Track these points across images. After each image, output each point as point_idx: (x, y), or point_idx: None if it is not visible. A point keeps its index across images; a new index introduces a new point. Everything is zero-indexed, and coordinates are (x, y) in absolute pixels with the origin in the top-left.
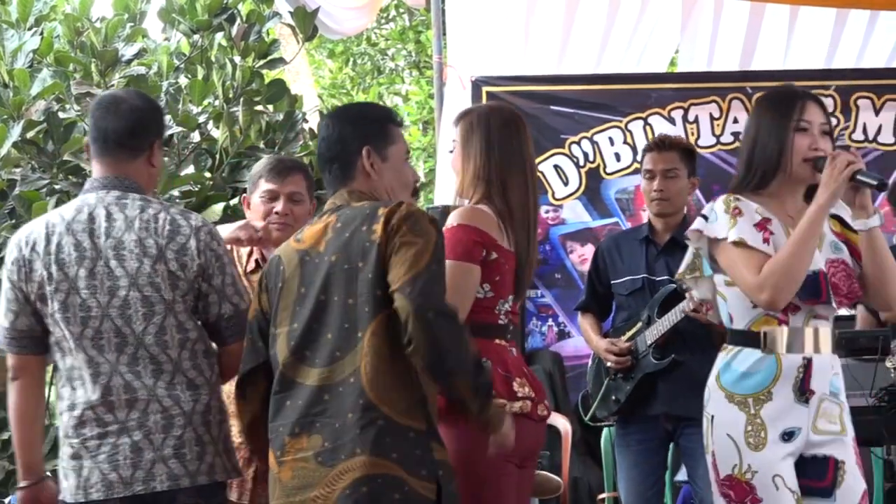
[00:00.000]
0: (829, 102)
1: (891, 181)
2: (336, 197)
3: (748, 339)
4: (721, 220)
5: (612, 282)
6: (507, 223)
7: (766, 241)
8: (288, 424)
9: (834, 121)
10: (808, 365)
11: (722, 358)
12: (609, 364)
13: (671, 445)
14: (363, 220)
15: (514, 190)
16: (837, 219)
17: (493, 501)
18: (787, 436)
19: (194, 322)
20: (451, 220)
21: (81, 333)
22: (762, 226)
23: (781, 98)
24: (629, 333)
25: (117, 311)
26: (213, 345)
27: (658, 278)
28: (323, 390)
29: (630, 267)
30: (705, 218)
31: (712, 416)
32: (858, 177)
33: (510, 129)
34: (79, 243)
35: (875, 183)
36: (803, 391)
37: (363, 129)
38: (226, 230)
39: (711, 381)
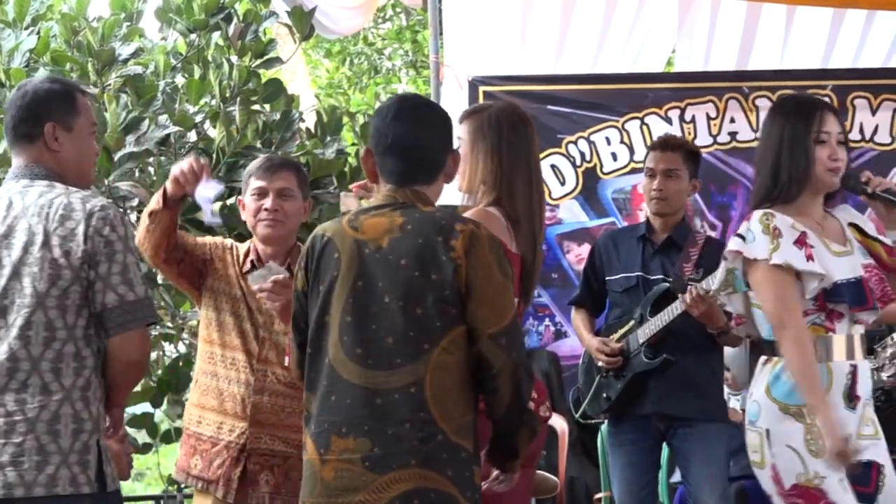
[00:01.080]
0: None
1: (891, 175)
2: (396, 191)
3: None
4: (760, 239)
5: (607, 278)
6: (515, 227)
7: (809, 257)
8: (335, 422)
9: None
10: (854, 371)
11: (769, 370)
12: (600, 363)
13: (665, 446)
14: (438, 231)
15: (521, 195)
16: (856, 227)
17: (493, 502)
18: (843, 442)
19: (65, 322)
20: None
21: None
22: (802, 241)
23: (801, 108)
24: (621, 331)
25: None
26: (88, 349)
27: (652, 277)
28: (375, 394)
29: (626, 264)
30: (742, 238)
31: (767, 431)
32: (887, 196)
33: (519, 132)
34: None
35: None
36: (851, 398)
37: (451, 139)
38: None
39: (760, 395)
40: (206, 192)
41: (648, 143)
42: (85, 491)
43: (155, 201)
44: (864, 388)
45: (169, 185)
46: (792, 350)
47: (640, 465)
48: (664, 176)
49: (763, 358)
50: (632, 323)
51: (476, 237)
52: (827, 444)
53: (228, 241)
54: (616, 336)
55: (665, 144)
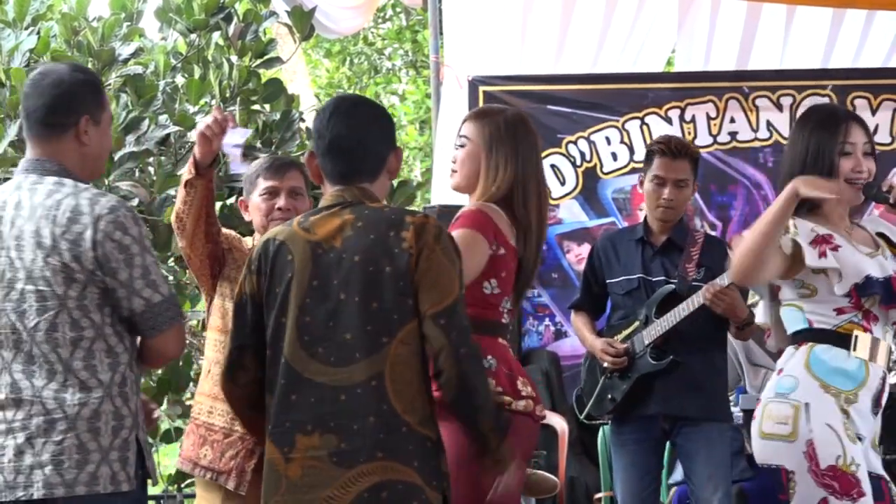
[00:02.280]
0: (825, 102)
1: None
2: (344, 191)
3: (836, 338)
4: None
5: (608, 281)
6: (520, 229)
7: (822, 255)
8: (298, 421)
9: None
10: (885, 379)
11: (805, 351)
12: (605, 364)
13: (667, 445)
14: (389, 225)
15: (534, 203)
16: (884, 237)
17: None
18: (860, 440)
19: (91, 320)
20: (469, 206)
21: None
22: (819, 242)
23: (827, 119)
24: (626, 332)
25: (13, 306)
26: (121, 345)
27: (654, 278)
28: (338, 390)
29: (626, 266)
30: None
31: (807, 404)
32: None
33: (530, 140)
34: None
35: None
36: (877, 403)
37: (392, 135)
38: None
39: (799, 370)
40: (233, 138)
41: (648, 142)
42: (125, 489)
43: (187, 171)
44: (886, 398)
45: (197, 147)
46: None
47: (643, 466)
48: (675, 185)
49: (791, 346)
50: (636, 324)
51: (425, 227)
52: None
53: (232, 233)
54: (620, 337)
55: (675, 152)
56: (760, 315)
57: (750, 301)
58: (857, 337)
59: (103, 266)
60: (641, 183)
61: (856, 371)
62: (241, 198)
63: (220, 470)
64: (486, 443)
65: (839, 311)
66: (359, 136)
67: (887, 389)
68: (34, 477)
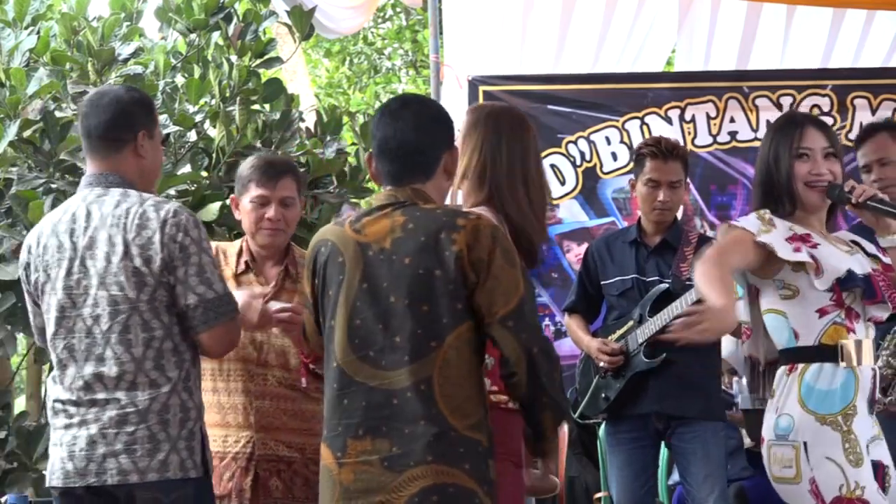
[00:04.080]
0: (825, 102)
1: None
2: (397, 191)
3: (823, 353)
4: (753, 222)
5: (603, 282)
6: (509, 223)
7: (797, 250)
8: (351, 425)
9: (830, 120)
10: (874, 376)
11: (796, 380)
12: (601, 364)
13: (663, 445)
14: (441, 227)
15: (515, 195)
16: (858, 244)
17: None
18: (867, 447)
19: (161, 322)
20: None
21: (56, 333)
22: (795, 240)
23: (783, 125)
24: (620, 332)
25: (88, 311)
26: (185, 343)
27: (649, 279)
28: (390, 394)
29: (621, 268)
30: (738, 221)
31: (805, 444)
32: (871, 204)
33: (514, 132)
34: (61, 244)
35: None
36: (872, 402)
37: (445, 135)
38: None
39: (794, 408)
40: None
41: (637, 145)
42: (193, 475)
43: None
44: (877, 395)
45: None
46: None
47: (638, 465)
48: (669, 187)
49: (782, 368)
50: (630, 323)
51: (478, 229)
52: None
53: (212, 245)
54: (615, 336)
55: (667, 153)
56: (740, 312)
57: None
58: (842, 346)
59: (168, 266)
60: (633, 186)
61: (847, 383)
62: (232, 195)
63: (221, 494)
64: (544, 439)
65: (822, 313)
66: (406, 137)
67: (878, 386)
68: (107, 465)
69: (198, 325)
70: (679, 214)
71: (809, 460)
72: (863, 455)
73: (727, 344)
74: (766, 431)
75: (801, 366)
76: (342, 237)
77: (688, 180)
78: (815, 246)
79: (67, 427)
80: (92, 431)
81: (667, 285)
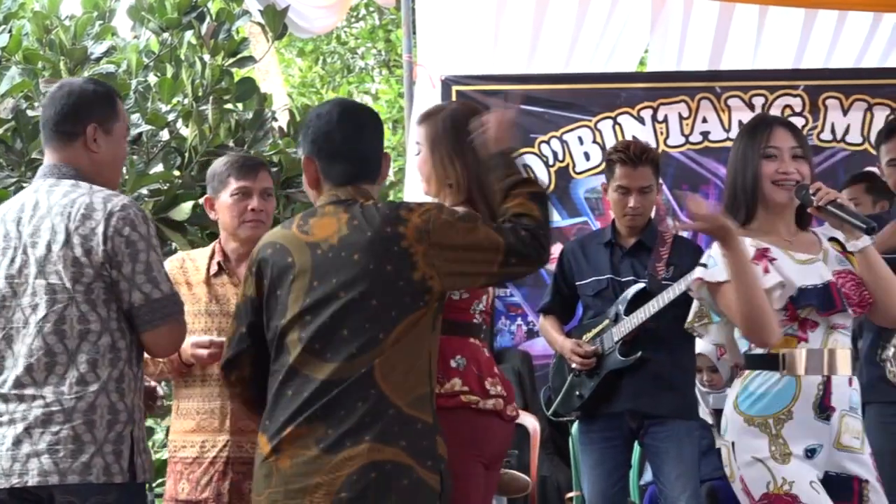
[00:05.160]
0: (797, 102)
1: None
2: (339, 190)
3: (766, 362)
4: (720, 264)
5: (578, 283)
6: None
7: (766, 271)
8: (288, 414)
9: (802, 121)
10: (826, 382)
11: (738, 384)
12: (574, 365)
13: (636, 444)
14: (385, 222)
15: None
16: (837, 241)
17: (460, 501)
18: (810, 453)
19: (98, 315)
20: None
21: (2, 325)
22: (758, 258)
23: (752, 127)
24: (595, 330)
25: (28, 301)
26: (123, 341)
27: (623, 279)
28: (332, 384)
29: (596, 268)
30: (705, 266)
31: (733, 443)
32: (830, 208)
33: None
34: (7, 233)
35: (860, 225)
36: (823, 408)
37: (382, 140)
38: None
39: (729, 408)
40: None
41: (607, 150)
42: (117, 480)
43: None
44: (841, 399)
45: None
46: (745, 318)
47: (611, 464)
48: (639, 193)
49: (739, 373)
50: (606, 322)
51: (423, 212)
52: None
53: (178, 258)
54: (590, 335)
55: (636, 159)
56: (714, 335)
57: (697, 322)
58: (784, 356)
59: (111, 260)
60: (605, 190)
61: (783, 389)
62: (206, 196)
63: (199, 499)
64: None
65: None
66: (364, 141)
67: (838, 390)
68: (30, 465)
69: (142, 325)
70: (652, 214)
71: (737, 459)
72: (790, 458)
73: (707, 341)
74: None
75: (747, 371)
76: (290, 238)
77: (660, 180)
78: (772, 261)
79: None
80: (18, 430)
81: (643, 284)
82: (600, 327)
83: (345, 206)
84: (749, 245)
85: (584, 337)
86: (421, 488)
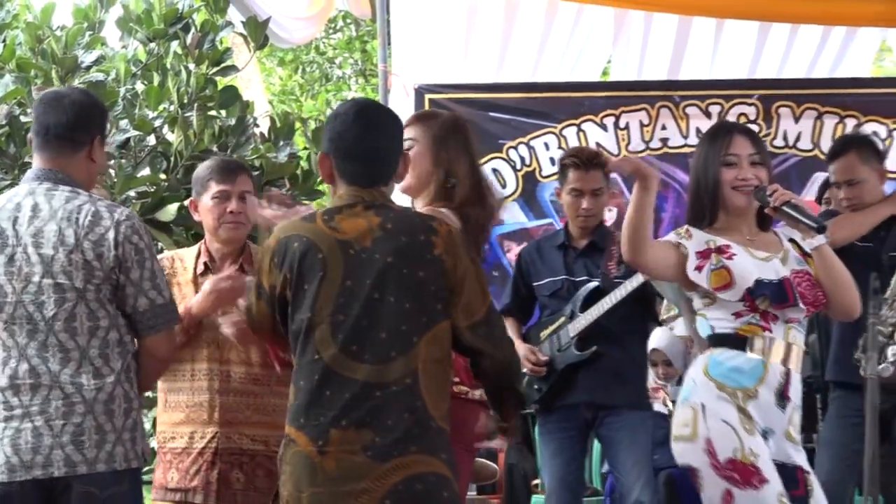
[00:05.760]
0: (751, 110)
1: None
2: (363, 192)
3: (733, 341)
4: (671, 235)
5: (534, 284)
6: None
7: (699, 268)
8: (332, 416)
9: (756, 128)
10: (788, 374)
11: (707, 355)
12: (525, 370)
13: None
14: (418, 230)
15: (488, 199)
16: (796, 243)
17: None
18: (765, 435)
19: (107, 311)
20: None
21: (3, 319)
22: (704, 255)
23: (713, 134)
24: (552, 328)
25: (31, 298)
26: (129, 335)
27: (578, 279)
28: (374, 387)
29: (551, 269)
30: None
31: (703, 405)
32: (785, 209)
33: (472, 142)
34: (2, 231)
35: (812, 224)
36: (783, 397)
37: (402, 141)
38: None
39: (697, 373)
40: None
41: (560, 156)
42: (135, 465)
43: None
44: (795, 393)
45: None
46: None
47: (569, 454)
48: (592, 195)
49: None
50: (562, 319)
51: (451, 235)
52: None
53: (168, 256)
54: (547, 332)
55: (588, 163)
56: (680, 328)
57: (665, 315)
58: (752, 339)
59: (121, 265)
60: (559, 194)
61: (753, 369)
62: (190, 198)
63: (188, 488)
64: (507, 421)
65: (737, 315)
66: (381, 142)
67: (795, 384)
68: (54, 457)
69: (144, 329)
70: (614, 217)
71: (706, 420)
72: (755, 431)
73: (662, 335)
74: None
75: (714, 347)
76: (318, 233)
77: (622, 184)
78: (731, 257)
79: (8, 419)
80: (38, 423)
81: (597, 283)
82: (557, 324)
83: (375, 210)
84: (704, 241)
85: (541, 334)
86: (455, 499)
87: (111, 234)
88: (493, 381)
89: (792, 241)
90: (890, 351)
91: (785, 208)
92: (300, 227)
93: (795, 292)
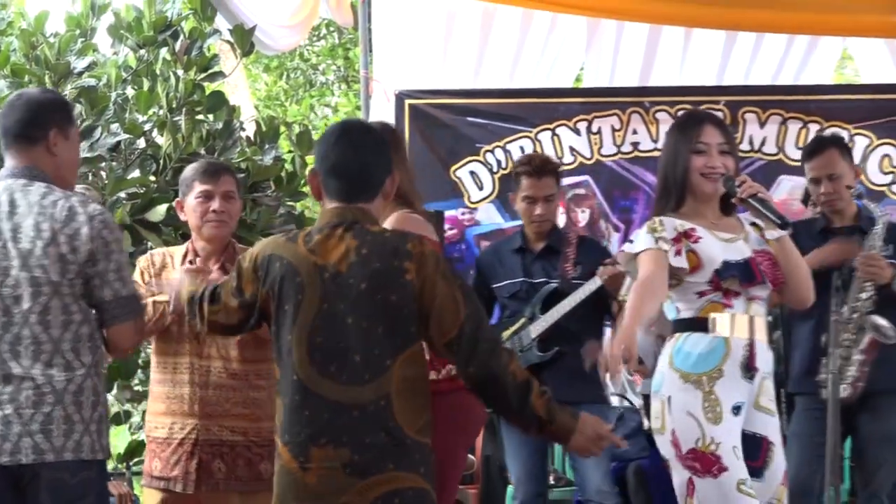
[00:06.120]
0: (718, 116)
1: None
2: (344, 210)
3: (696, 324)
4: (644, 237)
5: (494, 286)
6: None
7: (678, 252)
8: (312, 435)
9: None
10: (751, 345)
11: (672, 344)
12: None
13: None
14: (392, 254)
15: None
16: (757, 227)
17: (449, 485)
18: (736, 410)
19: (80, 306)
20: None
21: None
22: (678, 240)
23: (684, 123)
24: (513, 328)
25: (9, 291)
26: (99, 331)
27: (536, 280)
28: (350, 407)
29: (509, 272)
30: (631, 241)
31: (669, 398)
32: (751, 201)
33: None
34: None
35: (776, 220)
36: (749, 368)
37: (390, 161)
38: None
39: (664, 365)
40: None
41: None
42: (100, 457)
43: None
44: (763, 362)
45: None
46: (632, 293)
47: (531, 445)
48: (544, 201)
49: (668, 337)
50: (522, 320)
51: (424, 256)
52: (612, 350)
53: (160, 252)
54: (508, 332)
55: (539, 171)
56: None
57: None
58: (713, 319)
59: (92, 258)
60: (513, 200)
61: (715, 350)
62: (177, 199)
63: (169, 477)
64: (546, 422)
65: (700, 294)
66: (359, 161)
67: (761, 353)
68: (22, 444)
69: (109, 320)
70: (587, 218)
71: (671, 413)
72: (722, 415)
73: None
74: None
75: (678, 334)
76: (297, 256)
77: (594, 186)
78: (697, 240)
79: None
80: (7, 411)
81: (555, 285)
82: (517, 325)
83: (353, 232)
84: (674, 228)
85: (503, 335)
86: None
87: (85, 229)
88: (482, 394)
89: (753, 224)
90: (848, 372)
91: (752, 200)
92: (283, 247)
93: (761, 271)
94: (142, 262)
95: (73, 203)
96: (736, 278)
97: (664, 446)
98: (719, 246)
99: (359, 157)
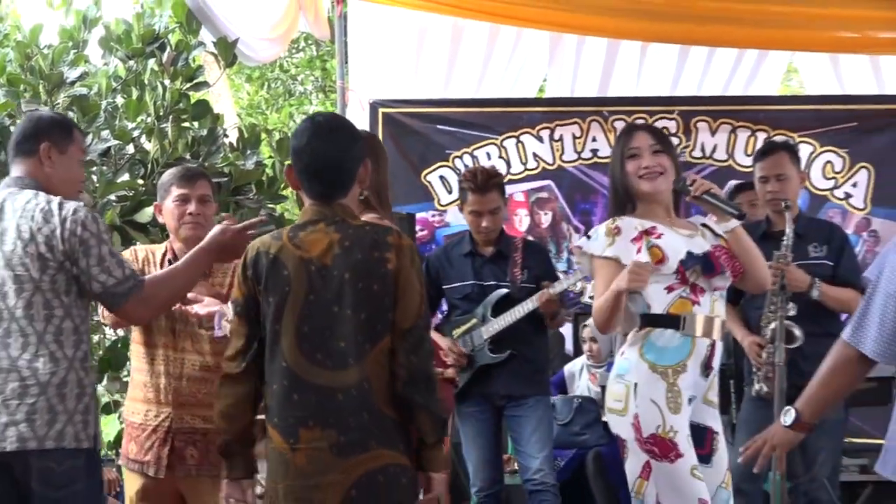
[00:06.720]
0: (672, 124)
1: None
2: (324, 208)
3: (667, 321)
4: (600, 240)
5: (445, 286)
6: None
7: (639, 250)
8: (301, 417)
9: (676, 140)
10: (713, 345)
11: (643, 336)
12: (449, 360)
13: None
14: (373, 246)
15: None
16: (707, 227)
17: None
18: (689, 402)
19: (61, 301)
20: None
21: None
22: (638, 239)
23: (620, 134)
24: (465, 327)
25: None
26: (84, 325)
27: (486, 283)
28: (336, 391)
29: (460, 274)
30: (588, 237)
31: (635, 384)
32: (706, 197)
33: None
34: None
35: (731, 211)
36: (706, 367)
37: (360, 150)
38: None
39: (633, 354)
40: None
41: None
42: (85, 446)
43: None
44: (717, 362)
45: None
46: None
47: (486, 435)
48: (490, 214)
49: (636, 329)
50: (474, 321)
51: (402, 249)
52: (626, 276)
53: (142, 249)
54: (460, 331)
55: (484, 187)
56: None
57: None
58: (685, 318)
59: (70, 256)
60: (462, 210)
61: (682, 346)
62: (155, 203)
63: (143, 461)
64: (425, 445)
65: (669, 289)
66: (331, 157)
67: (717, 354)
68: (7, 433)
69: (110, 306)
70: (549, 220)
71: (636, 399)
72: (682, 406)
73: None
74: (612, 371)
75: (649, 328)
76: (284, 251)
77: (556, 190)
78: (659, 236)
79: None
80: None
81: (506, 290)
82: (469, 325)
83: (335, 227)
84: (634, 227)
85: (454, 332)
86: (414, 481)
87: (58, 231)
88: (402, 389)
89: (704, 225)
90: (753, 389)
91: (706, 196)
92: (268, 244)
93: (721, 262)
94: (126, 254)
95: (51, 206)
96: (699, 268)
97: (623, 428)
98: (681, 240)
99: (330, 155)
